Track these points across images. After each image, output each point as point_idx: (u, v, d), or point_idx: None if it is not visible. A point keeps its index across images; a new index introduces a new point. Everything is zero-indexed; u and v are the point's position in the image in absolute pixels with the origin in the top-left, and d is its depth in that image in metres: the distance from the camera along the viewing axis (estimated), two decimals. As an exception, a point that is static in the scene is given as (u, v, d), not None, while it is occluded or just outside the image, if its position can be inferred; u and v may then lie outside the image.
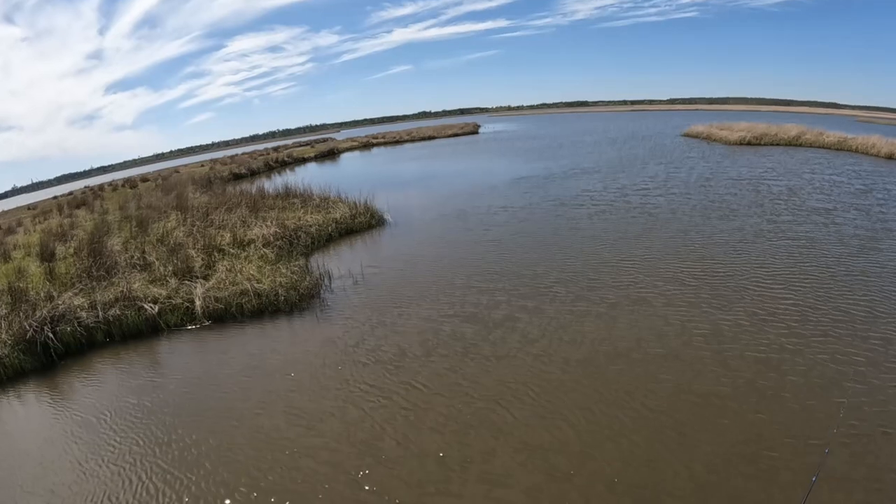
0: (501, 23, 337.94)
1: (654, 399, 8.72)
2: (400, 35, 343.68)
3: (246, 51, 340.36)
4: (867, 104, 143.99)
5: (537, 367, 10.15)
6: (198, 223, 21.36)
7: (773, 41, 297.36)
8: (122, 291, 14.22)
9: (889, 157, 35.54)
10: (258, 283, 14.35)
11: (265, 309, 13.84)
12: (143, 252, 17.96)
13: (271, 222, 19.99)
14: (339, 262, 17.70)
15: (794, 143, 44.36)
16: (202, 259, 16.50)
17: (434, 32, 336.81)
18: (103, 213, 33.31)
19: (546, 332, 11.55)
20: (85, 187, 74.01)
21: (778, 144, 44.56)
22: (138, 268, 16.59)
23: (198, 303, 13.90)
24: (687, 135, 57.19)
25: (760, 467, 7.00)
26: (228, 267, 15.58)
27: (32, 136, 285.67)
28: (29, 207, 55.05)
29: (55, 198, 61.35)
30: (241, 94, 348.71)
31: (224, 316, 13.79)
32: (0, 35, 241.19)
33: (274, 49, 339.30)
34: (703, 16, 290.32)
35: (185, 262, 16.06)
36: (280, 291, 14.02)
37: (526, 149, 56.65)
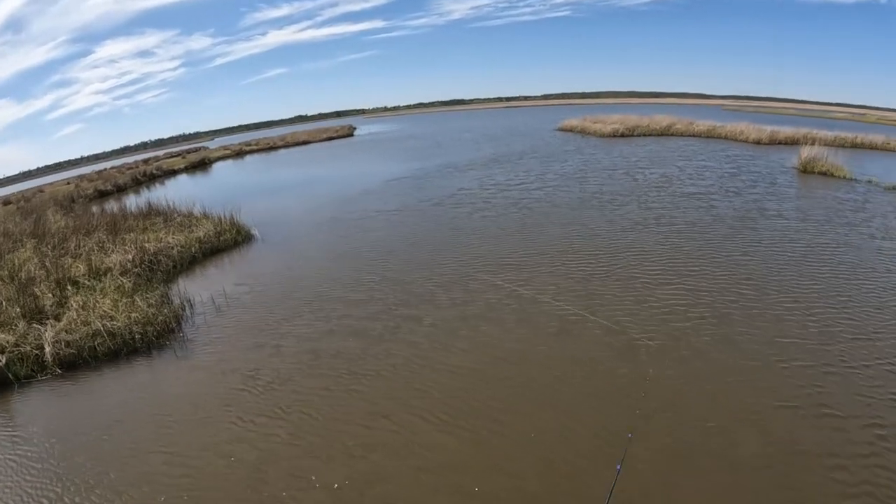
0: (378, 23, 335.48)
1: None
2: (275, 37, 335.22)
3: (115, 56, 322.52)
4: (733, 94, 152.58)
5: (425, 378, 9.89)
6: (52, 252, 19.86)
7: (643, 37, 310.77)
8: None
9: (757, 143, 37.97)
10: (112, 320, 12.88)
11: (120, 350, 12.39)
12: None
13: (130, 246, 18.41)
14: (202, 287, 16.37)
15: (665, 133, 46.31)
16: (53, 296, 15.13)
17: (310, 34, 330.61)
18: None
19: (430, 340, 11.29)
20: (-61, 212, 68.66)
21: (650, 135, 46.38)
22: (-20, 311, 15.20)
23: (48, 349, 12.31)
24: (561, 129, 58.42)
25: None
26: (81, 303, 14.11)
27: None
28: None
29: None
30: (110, 102, 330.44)
31: (77, 362, 12.23)
32: None
33: (144, 54, 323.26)
34: (575, 15, 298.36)
35: (34, 300, 14.76)
36: (135, 329, 12.66)
37: (401, 149, 56.40)
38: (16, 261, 19.82)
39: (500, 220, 20.40)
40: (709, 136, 43.55)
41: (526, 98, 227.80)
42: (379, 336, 11.91)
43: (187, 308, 14.55)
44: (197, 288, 16.31)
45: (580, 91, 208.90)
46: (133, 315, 13.01)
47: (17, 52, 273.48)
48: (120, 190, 53.38)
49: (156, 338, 12.69)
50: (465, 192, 26.47)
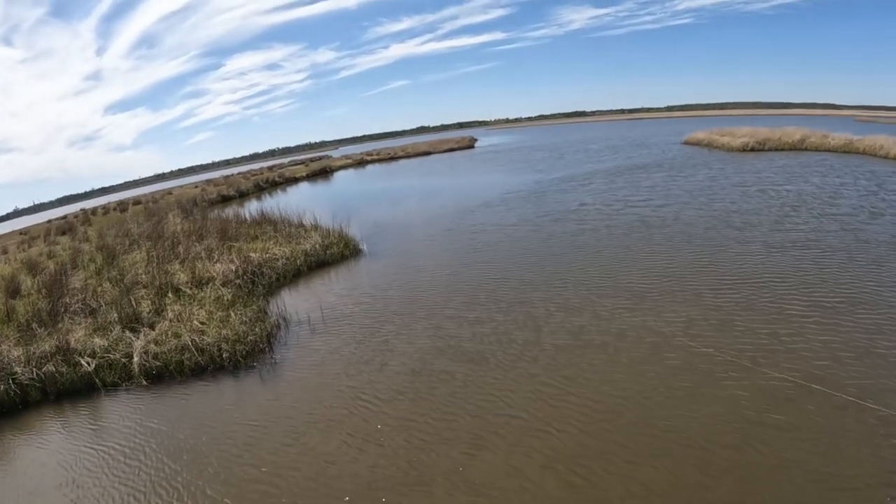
0: (498, 35, 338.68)
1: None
2: (397, 50, 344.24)
3: (244, 69, 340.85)
4: (864, 103, 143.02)
5: (547, 414, 8.36)
6: (162, 256, 19.71)
7: (769, 44, 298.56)
8: (59, 344, 12.52)
9: None
10: (202, 335, 12.19)
11: (207, 366, 11.65)
12: (96, 293, 16.37)
13: (235, 255, 17.97)
14: (302, 302, 15.53)
15: (798, 147, 42.43)
16: (152, 303, 14.67)
17: (431, 47, 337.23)
18: (83, 242, 31.76)
19: (549, 372, 9.81)
20: (80, 210, 72.70)
21: (782, 149, 42.60)
22: (85, 312, 14.96)
23: (136, 359, 11.83)
24: (687, 142, 55.26)
25: None
26: (177, 313, 13.63)
27: (33, 158, 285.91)
28: (21, 232, 53.40)
29: (49, 221, 59.89)
30: (240, 112, 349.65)
31: (163, 374, 11.65)
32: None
33: (272, 67, 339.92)
34: (697, 22, 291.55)
35: (131, 306, 14.35)
36: (223, 346, 11.84)
37: (522, 161, 54.89)
38: (128, 262, 19.85)
39: (625, 238, 18.45)
40: (845, 150, 38.89)
41: (648, 110, 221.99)
42: (496, 363, 10.50)
43: (282, 326, 13.69)
44: (297, 303, 15.50)
45: (704, 102, 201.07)
46: (223, 332, 12.19)
47: (151, 66, 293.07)
48: (242, 195, 54.76)
49: (243, 358, 11.81)
50: (587, 208, 24.61)
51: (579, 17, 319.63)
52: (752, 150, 43.50)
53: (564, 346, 10.88)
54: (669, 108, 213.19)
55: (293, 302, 15.67)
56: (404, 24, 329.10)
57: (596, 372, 9.71)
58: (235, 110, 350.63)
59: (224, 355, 11.71)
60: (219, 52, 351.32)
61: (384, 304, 14.80)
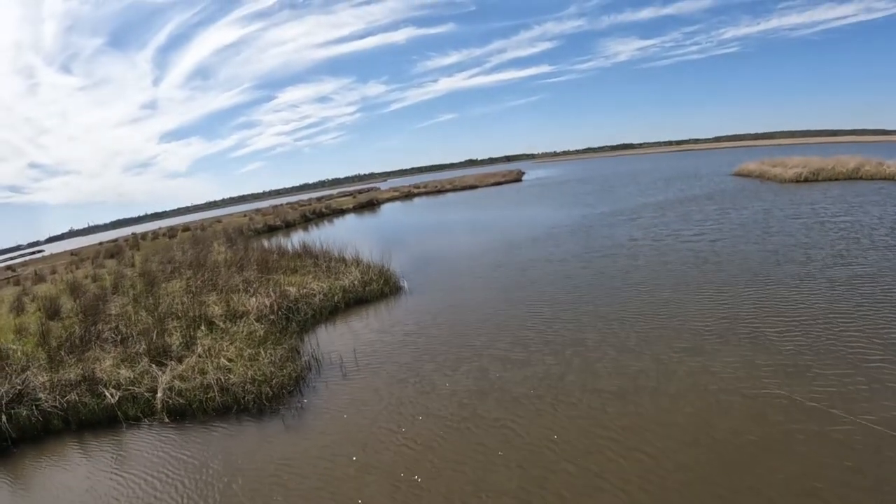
0: (545, 68, 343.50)
1: None
2: (445, 84, 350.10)
3: (296, 101, 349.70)
4: None
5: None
6: (200, 286, 19.35)
7: (816, 70, 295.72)
8: (85, 373, 12.11)
9: None
10: (228, 373, 11.60)
11: (231, 407, 11.03)
12: (130, 321, 16.02)
13: (272, 290, 17.44)
14: (337, 341, 14.82)
15: (853, 177, 40.73)
16: (182, 336, 14.17)
17: (478, 80, 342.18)
18: (128, 266, 31.90)
19: (607, 422, 8.81)
20: (131, 234, 74.11)
21: (836, 179, 40.93)
22: (116, 341, 14.59)
23: (159, 395, 11.33)
24: (738, 174, 53.76)
25: None
26: (206, 348, 13.16)
27: (89, 181, 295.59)
28: (72, 253, 54.43)
29: (100, 244, 60.98)
30: (291, 143, 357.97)
31: (186, 412, 11.13)
32: (58, 84, 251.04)
33: (323, 99, 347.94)
34: (744, 50, 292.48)
35: (161, 337, 13.89)
36: (249, 387, 11.18)
37: (569, 194, 54.10)
38: (167, 291, 19.57)
39: (679, 275, 17.45)
40: None
41: (696, 141, 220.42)
42: (545, 409, 9.67)
43: (314, 367, 12.96)
44: (331, 342, 14.83)
45: (752, 132, 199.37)
46: (249, 373, 11.54)
47: (205, 97, 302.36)
48: (289, 226, 54.99)
49: (268, 401, 11.09)
50: (638, 243, 23.62)
51: (626, 49, 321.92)
52: (806, 180, 41.97)
53: (621, 392, 10.02)
54: (717, 139, 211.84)
55: (328, 340, 15.04)
56: (452, 58, 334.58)
57: (656, 422, 8.83)
58: (287, 141, 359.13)
59: (249, 397, 11.07)
60: (271, 85, 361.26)
61: (425, 343, 14.06)
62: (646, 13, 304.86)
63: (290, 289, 17.71)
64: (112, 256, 40.50)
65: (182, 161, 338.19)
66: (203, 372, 11.76)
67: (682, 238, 23.75)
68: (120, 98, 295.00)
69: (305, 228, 51.93)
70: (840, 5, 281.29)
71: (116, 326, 15.37)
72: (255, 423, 10.59)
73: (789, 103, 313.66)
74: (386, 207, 69.65)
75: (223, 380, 11.36)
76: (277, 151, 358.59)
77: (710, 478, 7.25)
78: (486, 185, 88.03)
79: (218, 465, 9.15)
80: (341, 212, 66.64)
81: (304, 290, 17.87)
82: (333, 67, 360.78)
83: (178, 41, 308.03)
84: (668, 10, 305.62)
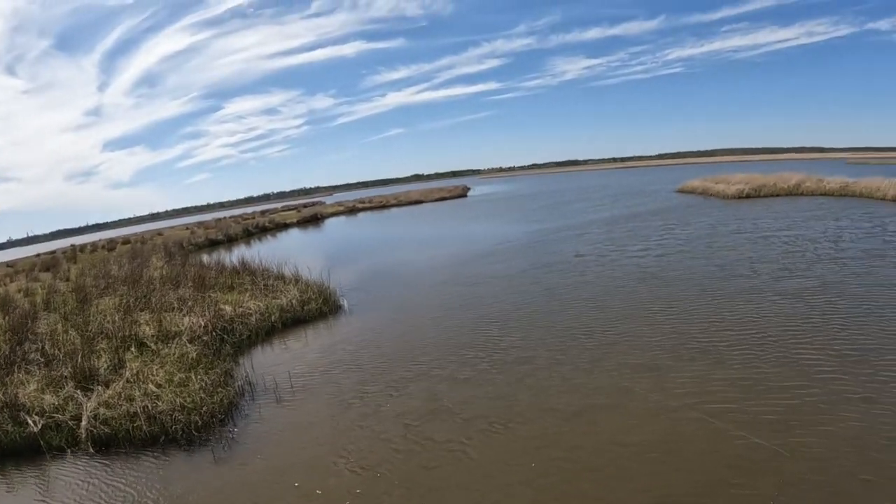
0: (493, 85, 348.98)
1: None
2: (394, 98, 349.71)
3: (243, 112, 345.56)
4: (854, 145, 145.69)
5: None
6: (134, 303, 18.55)
7: (758, 91, 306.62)
8: (6, 398, 11.29)
9: None
10: (157, 400, 10.90)
11: (158, 437, 10.31)
12: (57, 341, 15.15)
13: (207, 309, 16.69)
14: (272, 364, 14.18)
15: (794, 193, 42.11)
16: (110, 359, 13.45)
17: (427, 96, 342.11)
18: (63, 280, 30.66)
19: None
20: (70, 245, 71.88)
21: (778, 195, 42.24)
22: (41, 363, 13.76)
23: (83, 423, 10.73)
24: (682, 190, 54.94)
25: None
26: (135, 372, 12.47)
27: (32, 188, 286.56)
28: (7, 265, 52.22)
29: (38, 255, 58.85)
30: (237, 155, 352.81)
31: (112, 442, 10.37)
32: (2, 86, 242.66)
33: (270, 111, 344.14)
34: (688, 71, 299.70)
35: (88, 359, 13.15)
36: (178, 416, 10.50)
37: (515, 210, 54.63)
38: (99, 308, 18.73)
39: (627, 290, 17.58)
40: (842, 193, 38.77)
41: (640, 158, 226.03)
42: (495, 432, 9.18)
43: (247, 393, 12.32)
44: (267, 365, 14.20)
45: (695, 150, 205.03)
46: (178, 400, 10.91)
47: (152, 105, 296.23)
48: (231, 240, 53.94)
49: (197, 431, 10.41)
50: (586, 259, 23.69)
51: (573, 68, 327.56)
52: (748, 196, 43.19)
53: (575, 411, 9.83)
54: (661, 156, 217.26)
55: (264, 363, 14.42)
56: (401, 72, 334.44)
57: (612, 442, 8.67)
58: (233, 153, 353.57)
59: (177, 426, 10.43)
60: (219, 95, 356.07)
61: (368, 363, 13.63)
62: (593, 33, 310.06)
63: (226, 308, 17.07)
64: (48, 269, 38.92)
65: (126, 170, 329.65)
66: (130, 399, 11.10)
67: (630, 254, 23.99)
68: (65, 103, 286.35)
69: (248, 243, 50.92)
70: (782, 29, 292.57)
71: (43, 347, 14.58)
72: (185, 454, 9.94)
73: (731, 122, 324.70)
74: (330, 222, 68.82)
75: (150, 407, 10.69)
76: (223, 163, 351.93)
77: (672, 498, 7.11)
78: (432, 201, 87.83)
79: (147, 500, 8.57)
80: (285, 226, 65.54)
81: (241, 310, 17.23)
82: (282, 79, 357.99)
83: (127, 46, 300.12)
84: (615, 31, 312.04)
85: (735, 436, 8.38)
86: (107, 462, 9.95)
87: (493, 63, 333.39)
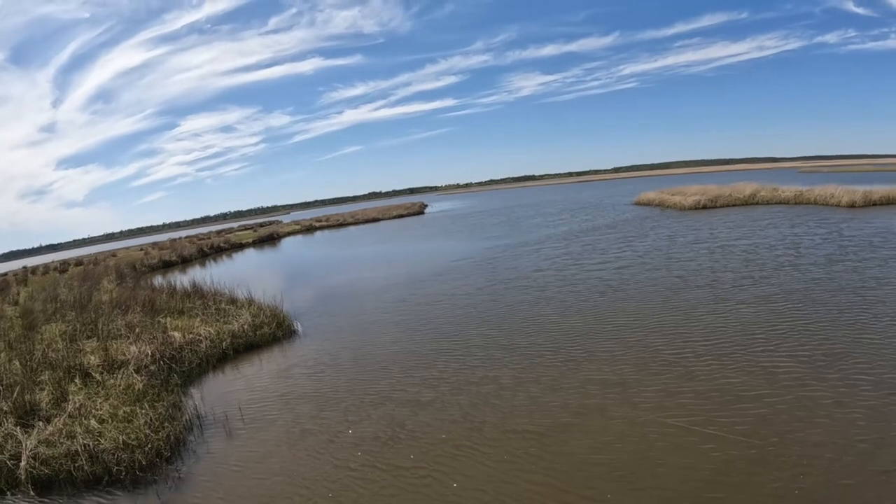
0: (449, 102, 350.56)
1: None
2: (351, 116, 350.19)
3: (199, 130, 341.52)
4: (803, 154, 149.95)
5: None
6: (79, 331, 17.76)
7: (711, 104, 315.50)
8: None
9: (851, 206, 34.35)
10: (99, 437, 10.27)
11: (102, 477, 9.69)
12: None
13: (155, 336, 16.04)
14: (223, 394, 13.57)
15: (750, 202, 43.23)
16: (53, 391, 12.78)
17: (384, 113, 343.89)
18: (12, 305, 29.49)
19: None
20: (22, 267, 69.94)
21: (734, 205, 43.30)
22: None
23: (22, 463, 10.12)
24: (638, 202, 55.77)
25: None
26: (79, 405, 11.89)
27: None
28: (-45, 288, 50.41)
29: (-10, 278, 56.97)
30: (193, 173, 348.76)
31: (53, 484, 9.73)
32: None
33: (227, 129, 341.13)
34: (642, 86, 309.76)
35: (30, 392, 12.45)
36: (121, 454, 9.87)
37: (473, 226, 54.51)
38: (46, 335, 17.92)
39: (589, 304, 17.58)
40: (797, 201, 40.30)
41: (596, 172, 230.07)
42: (463, 455, 9.02)
43: (195, 426, 11.68)
44: (217, 395, 13.59)
45: (650, 163, 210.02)
46: (121, 437, 10.31)
47: (106, 122, 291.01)
48: (185, 261, 52.85)
49: (141, 470, 9.77)
50: (545, 274, 23.69)
51: (528, 84, 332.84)
52: (705, 207, 44.20)
53: (544, 431, 9.63)
54: (616, 170, 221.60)
55: (214, 393, 13.79)
56: (359, 89, 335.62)
57: (584, 461, 8.49)
58: (189, 171, 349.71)
59: (121, 466, 9.81)
60: (174, 112, 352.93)
61: (325, 389, 13.18)
62: (549, 50, 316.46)
63: (175, 334, 16.39)
64: (-2, 292, 37.61)
65: (80, 189, 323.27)
66: (72, 436, 10.48)
67: (588, 267, 24.07)
68: (18, 119, 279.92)
69: (203, 264, 49.79)
70: (734, 44, 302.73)
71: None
72: (129, 495, 9.33)
73: (685, 135, 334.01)
74: (287, 241, 67.83)
75: (92, 446, 10.06)
76: (179, 182, 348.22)
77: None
78: (389, 218, 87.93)
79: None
80: (241, 246, 64.50)
81: (190, 336, 16.51)
82: (238, 96, 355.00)
83: (81, 61, 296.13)
84: (571, 48, 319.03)
85: (708, 448, 8.29)
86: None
87: (450, 80, 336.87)
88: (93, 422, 10.86)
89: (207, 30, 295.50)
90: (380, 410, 11.49)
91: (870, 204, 34.78)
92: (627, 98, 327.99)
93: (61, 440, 10.38)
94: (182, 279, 30.17)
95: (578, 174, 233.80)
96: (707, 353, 12.25)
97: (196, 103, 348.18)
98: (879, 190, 36.22)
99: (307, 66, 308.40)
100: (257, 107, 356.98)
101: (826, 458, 7.62)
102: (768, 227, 29.31)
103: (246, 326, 17.82)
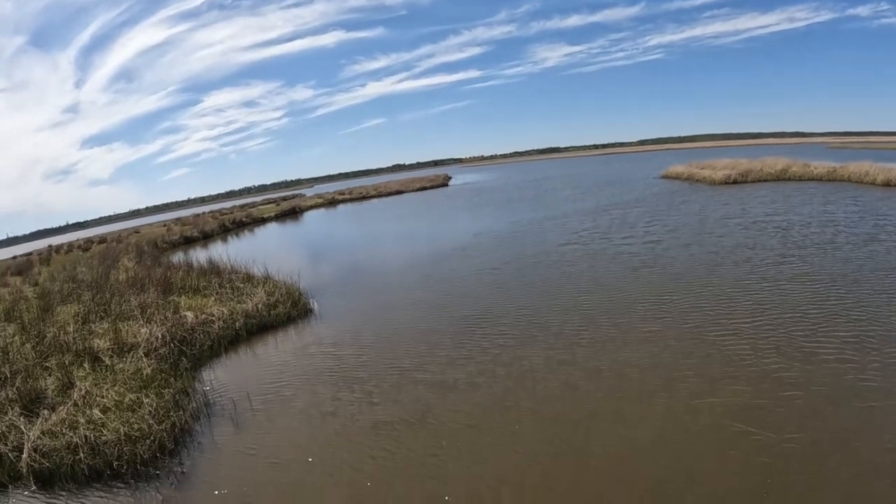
0: (473, 73, 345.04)
1: None
2: (374, 88, 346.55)
3: (222, 105, 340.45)
4: (831, 130, 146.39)
5: None
6: (93, 312, 17.27)
7: (738, 77, 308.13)
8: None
9: (886, 185, 32.65)
10: (103, 427, 9.67)
11: (103, 471, 9.09)
12: (8, 357, 13.77)
13: (168, 317, 15.46)
14: (235, 381, 12.79)
15: (781, 178, 41.61)
16: (60, 378, 12.27)
17: (407, 85, 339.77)
18: (33, 285, 29.24)
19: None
20: (48, 246, 70.24)
21: (765, 180, 41.81)
22: (-12, 384, 12.50)
23: (24, 457, 9.40)
24: (666, 176, 54.42)
25: None
26: (84, 392, 11.40)
27: (8, 191, 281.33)
28: (-19, 268, 50.60)
29: (14, 257, 57.19)
30: (217, 149, 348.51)
31: (55, 478, 9.12)
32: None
33: (249, 104, 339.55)
34: (668, 57, 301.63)
35: (36, 379, 11.97)
36: (124, 447, 9.26)
37: (497, 200, 53.39)
38: (61, 317, 17.47)
39: (621, 284, 16.72)
40: (830, 178, 38.56)
41: (621, 144, 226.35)
42: (492, 442, 8.19)
43: (203, 415, 11.04)
44: (227, 380, 12.96)
45: (676, 136, 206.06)
46: (123, 429, 9.71)
47: (129, 100, 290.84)
48: (206, 237, 52.51)
49: (143, 464, 9.17)
50: (573, 248, 22.95)
51: (553, 55, 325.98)
52: (735, 182, 42.79)
53: (579, 419, 9.03)
54: (642, 143, 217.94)
55: (224, 378, 13.13)
56: (381, 62, 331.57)
57: (624, 458, 7.83)
58: (212, 147, 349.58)
59: (123, 459, 9.20)
60: (197, 88, 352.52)
61: (344, 371, 12.56)
62: (574, 20, 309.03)
63: (188, 314, 15.83)
64: (21, 272, 37.48)
65: (105, 168, 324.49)
66: (74, 426, 9.95)
67: (619, 242, 23.22)
68: (41, 102, 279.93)
69: (224, 239, 49.46)
70: (763, 15, 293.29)
71: (-13, 365, 13.31)
72: (131, 491, 8.70)
73: (711, 108, 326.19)
74: (309, 215, 67.53)
75: (94, 438, 9.47)
76: (203, 157, 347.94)
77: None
78: (413, 191, 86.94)
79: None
80: (262, 220, 64.25)
81: (203, 317, 15.94)
82: (261, 71, 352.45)
83: (102, 41, 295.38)
84: (596, 18, 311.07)
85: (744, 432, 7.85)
86: (50, 501, 8.79)
87: (474, 51, 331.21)
88: (96, 412, 10.28)
89: (228, 5, 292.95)
90: (405, 393, 10.88)
91: (908, 184, 33.14)
92: (653, 70, 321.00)
93: (64, 430, 9.81)
94: (201, 255, 29.72)
95: (604, 146, 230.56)
96: (749, 334, 11.55)
97: (218, 79, 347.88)
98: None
99: (329, 39, 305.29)
100: (280, 81, 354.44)
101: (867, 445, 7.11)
102: (803, 204, 28.09)
103: (260, 306, 17.17)
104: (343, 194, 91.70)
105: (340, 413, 10.43)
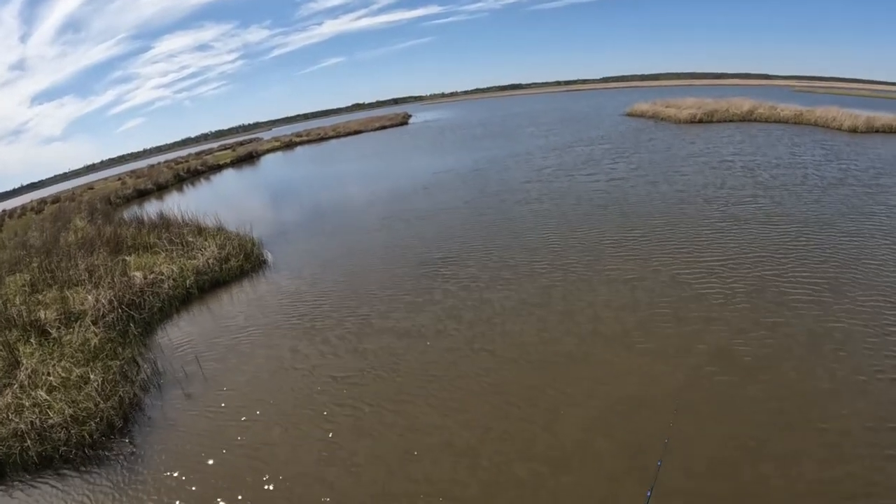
0: (434, 9, 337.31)
1: None
2: (331, 27, 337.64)
3: (174, 51, 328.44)
4: (796, 73, 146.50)
5: None
6: (42, 279, 16.42)
7: (702, 15, 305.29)
8: None
9: (853, 131, 32.48)
10: (48, 410, 8.96)
11: (52, 457, 8.46)
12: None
13: (115, 280, 14.60)
14: (184, 342, 12.24)
15: (747, 119, 41.56)
16: (4, 358, 11.37)
17: (366, 22, 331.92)
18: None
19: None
20: (2, 211, 68.00)
21: (731, 120, 41.73)
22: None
23: None
24: (631, 114, 53.93)
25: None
26: (31, 371, 10.68)
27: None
28: (-71, 239, 48.71)
29: (-36, 225, 55.20)
30: (171, 96, 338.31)
31: (4, 467, 8.43)
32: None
33: (203, 48, 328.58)
34: None
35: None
36: (71, 430, 8.67)
37: (458, 138, 52.40)
38: (10, 289, 16.58)
39: (591, 222, 16.63)
40: (796, 121, 38.24)
41: (584, 81, 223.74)
42: (458, 397, 7.88)
43: (152, 385, 10.40)
44: (180, 342, 12.35)
45: (640, 73, 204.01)
46: (68, 410, 9.06)
47: (77, 51, 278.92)
48: (161, 188, 50.88)
49: (92, 447, 8.59)
50: (539, 186, 22.63)
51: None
52: (701, 121, 42.67)
53: (548, 360, 9.01)
54: (605, 80, 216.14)
55: (177, 342, 12.48)
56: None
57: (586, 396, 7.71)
58: (166, 94, 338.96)
59: (72, 442, 8.60)
60: (148, 34, 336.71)
61: (304, 324, 12.11)
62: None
63: (137, 275, 15.10)
64: (-28, 241, 36.05)
65: (57, 124, 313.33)
66: (20, 411, 9.30)
67: (585, 181, 22.92)
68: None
69: (180, 189, 48.03)
70: None
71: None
72: (81, 478, 8.13)
73: (676, 46, 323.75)
74: (266, 159, 65.73)
75: (40, 423, 8.82)
76: (157, 106, 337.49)
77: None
78: (372, 130, 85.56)
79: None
80: (218, 167, 62.15)
81: (152, 276, 15.20)
82: (213, 12, 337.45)
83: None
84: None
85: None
86: (2, 493, 8.17)
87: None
88: (41, 393, 9.63)
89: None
90: (367, 341, 10.54)
91: (872, 131, 32.65)
92: (618, 5, 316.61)
93: (10, 416, 9.15)
94: (154, 209, 28.62)
95: (567, 83, 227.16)
96: (718, 273, 11.61)
97: (170, 23, 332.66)
98: (882, 117, 33.91)
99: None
100: (233, 22, 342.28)
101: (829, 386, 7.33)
102: (770, 146, 27.98)
103: (212, 261, 16.40)
104: (301, 136, 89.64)
105: (300, 366, 10.05)
